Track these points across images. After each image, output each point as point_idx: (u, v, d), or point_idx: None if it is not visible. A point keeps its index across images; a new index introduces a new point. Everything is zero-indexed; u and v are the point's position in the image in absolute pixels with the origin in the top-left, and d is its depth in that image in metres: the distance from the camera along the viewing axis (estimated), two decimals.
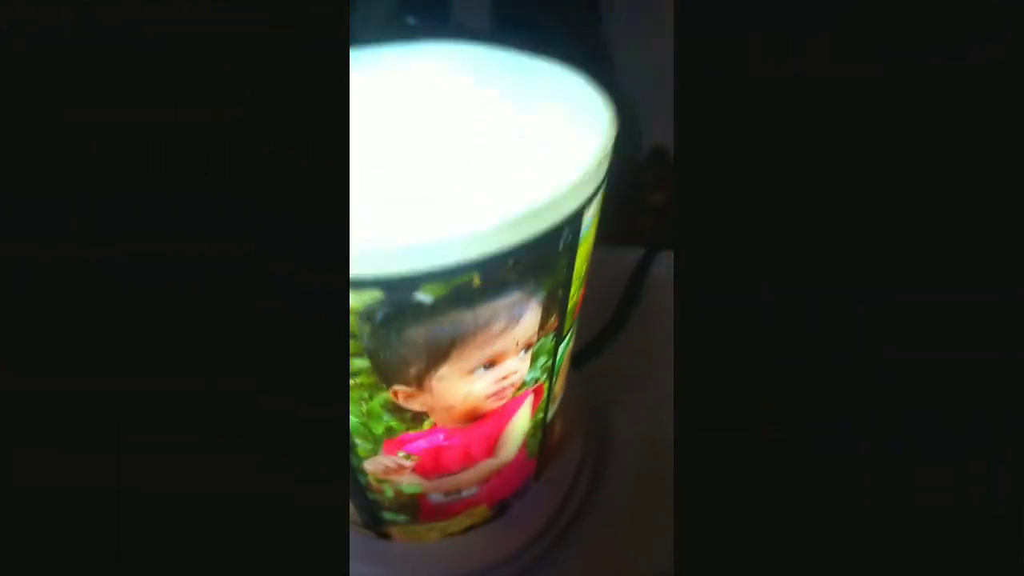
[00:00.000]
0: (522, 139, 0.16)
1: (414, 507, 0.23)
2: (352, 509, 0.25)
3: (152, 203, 0.11)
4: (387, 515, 0.24)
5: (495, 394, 0.18)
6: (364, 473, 0.21)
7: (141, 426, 0.12)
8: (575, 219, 0.15)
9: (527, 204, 0.13)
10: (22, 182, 0.11)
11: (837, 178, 0.12)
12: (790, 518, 0.12)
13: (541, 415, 0.23)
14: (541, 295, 0.16)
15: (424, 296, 0.14)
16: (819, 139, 0.12)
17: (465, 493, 0.24)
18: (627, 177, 0.51)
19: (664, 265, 0.43)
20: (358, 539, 0.26)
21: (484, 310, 0.15)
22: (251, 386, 0.12)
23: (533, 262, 0.15)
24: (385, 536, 0.26)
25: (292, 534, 0.12)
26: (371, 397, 0.16)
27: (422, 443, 0.19)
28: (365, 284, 0.13)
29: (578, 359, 0.36)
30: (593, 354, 0.37)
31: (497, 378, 0.18)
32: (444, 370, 0.16)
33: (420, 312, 0.14)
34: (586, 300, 0.44)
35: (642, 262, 0.42)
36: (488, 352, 0.16)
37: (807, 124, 0.12)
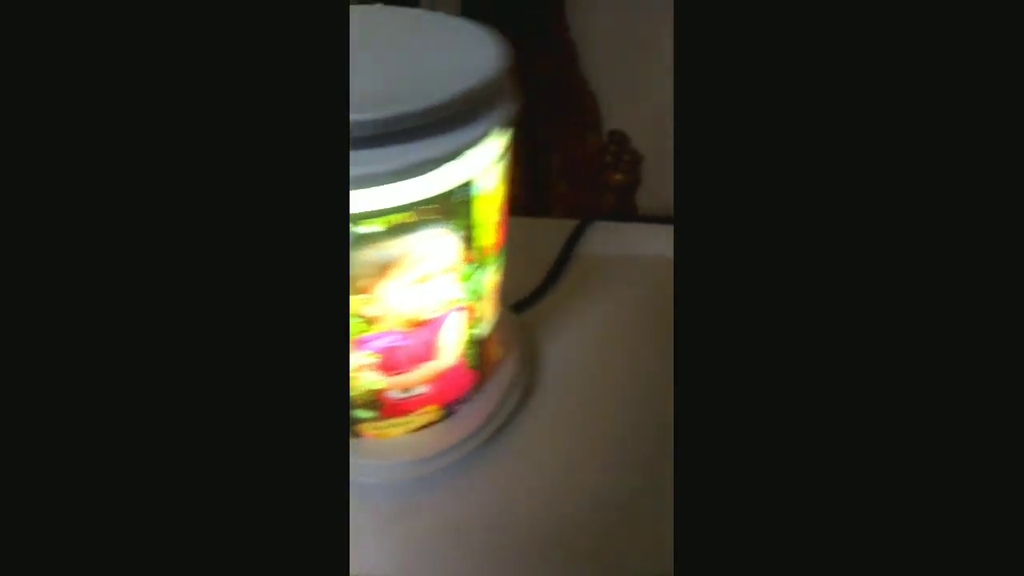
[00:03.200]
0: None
1: (378, 404, 0.32)
2: None
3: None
4: (359, 413, 0.33)
5: (430, 305, 0.27)
6: None
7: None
8: (466, 186, 0.23)
9: (436, 175, 0.22)
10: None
11: (834, 170, 0.12)
12: (788, 513, 0.12)
13: (475, 330, 0.32)
14: (453, 234, 0.24)
15: (373, 228, 0.22)
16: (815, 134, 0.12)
17: (417, 391, 0.32)
18: (591, 158, 0.58)
19: (594, 234, 0.52)
20: None
21: (411, 239, 0.23)
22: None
23: (439, 210, 0.23)
24: (358, 434, 0.35)
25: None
26: None
27: (380, 343, 0.27)
28: None
29: (519, 306, 0.45)
30: (531, 303, 0.45)
31: (429, 292, 0.26)
32: (390, 283, 0.24)
33: (369, 239, 0.22)
34: (529, 260, 0.53)
35: (575, 231, 0.51)
36: (420, 270, 0.24)
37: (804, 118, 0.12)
